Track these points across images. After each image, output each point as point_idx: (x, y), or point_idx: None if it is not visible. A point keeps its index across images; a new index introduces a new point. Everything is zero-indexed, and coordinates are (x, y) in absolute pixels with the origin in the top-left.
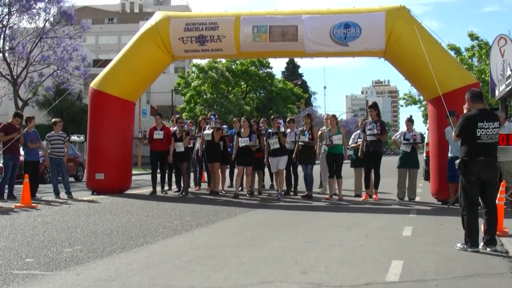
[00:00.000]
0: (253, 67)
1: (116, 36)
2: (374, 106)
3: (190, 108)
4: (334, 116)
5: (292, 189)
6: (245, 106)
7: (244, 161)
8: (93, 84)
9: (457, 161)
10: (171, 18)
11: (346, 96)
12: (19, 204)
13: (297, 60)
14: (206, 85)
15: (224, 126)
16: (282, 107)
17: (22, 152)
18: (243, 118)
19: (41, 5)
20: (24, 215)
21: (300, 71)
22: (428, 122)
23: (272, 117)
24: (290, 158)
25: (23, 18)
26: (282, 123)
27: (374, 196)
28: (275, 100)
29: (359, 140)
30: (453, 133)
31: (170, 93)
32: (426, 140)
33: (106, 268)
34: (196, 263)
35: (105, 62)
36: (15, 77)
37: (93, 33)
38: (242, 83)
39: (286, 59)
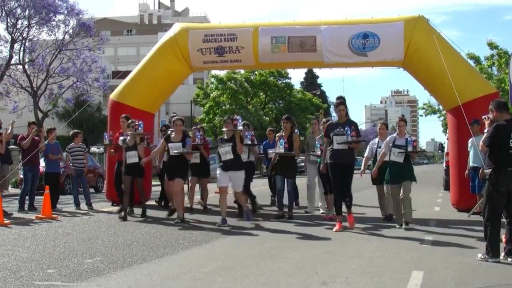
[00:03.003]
0: (271, 78)
1: (135, 48)
2: (342, 102)
3: (209, 119)
4: (327, 121)
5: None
6: (264, 117)
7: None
8: (112, 95)
9: (487, 171)
10: (190, 29)
11: (365, 106)
12: (40, 215)
13: (316, 70)
14: (225, 96)
15: (209, 138)
16: (301, 117)
17: (42, 164)
18: (175, 118)
19: (60, 17)
20: (45, 226)
21: (318, 81)
22: (447, 131)
23: (225, 118)
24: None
25: (43, 31)
26: (240, 121)
27: (348, 223)
28: (294, 111)
29: (378, 150)
30: (481, 142)
31: (189, 104)
32: (446, 150)
33: (126, 279)
34: (217, 274)
35: (124, 74)
36: (35, 89)
37: (112, 45)
38: (261, 93)
39: (305, 70)
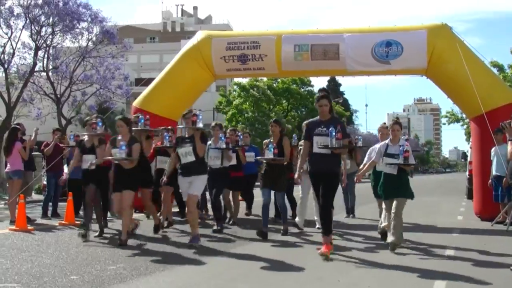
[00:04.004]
0: (294, 85)
1: (158, 55)
2: (325, 96)
3: (232, 126)
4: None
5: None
6: (286, 125)
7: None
8: (136, 103)
9: None
10: (213, 37)
11: (388, 114)
12: (63, 222)
13: (338, 78)
14: (247, 103)
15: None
16: None
17: (66, 170)
18: (116, 118)
19: (84, 24)
20: (68, 232)
21: (341, 89)
22: (471, 140)
23: (185, 112)
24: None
25: (66, 38)
26: (200, 118)
27: (323, 248)
28: None
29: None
30: (510, 150)
31: (212, 111)
32: (469, 159)
33: (149, 286)
34: (239, 282)
35: (147, 81)
36: (58, 96)
37: (135, 52)
38: (284, 101)
39: (328, 77)
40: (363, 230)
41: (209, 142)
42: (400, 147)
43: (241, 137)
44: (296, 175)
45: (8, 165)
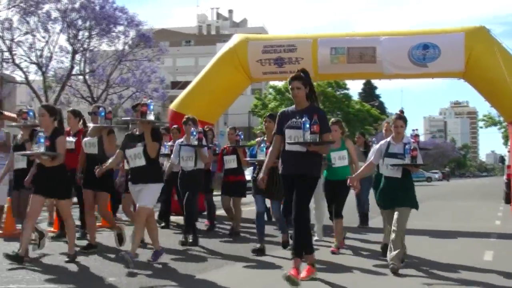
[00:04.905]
0: (330, 89)
1: (193, 58)
2: (298, 77)
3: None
4: (338, 121)
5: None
6: None
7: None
8: (172, 106)
9: None
10: (249, 40)
11: (424, 117)
12: (100, 224)
13: (374, 81)
14: (283, 106)
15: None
16: (359, 128)
17: None
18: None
19: (120, 28)
20: (106, 234)
21: (377, 92)
22: (509, 144)
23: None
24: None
25: (103, 42)
26: (151, 108)
27: (291, 270)
28: (352, 122)
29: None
30: None
31: (247, 114)
32: (507, 163)
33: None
34: (279, 285)
35: (184, 84)
36: (95, 99)
37: (170, 55)
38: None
39: (363, 80)
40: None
41: (180, 140)
42: (405, 145)
43: (242, 137)
44: (260, 176)
45: None
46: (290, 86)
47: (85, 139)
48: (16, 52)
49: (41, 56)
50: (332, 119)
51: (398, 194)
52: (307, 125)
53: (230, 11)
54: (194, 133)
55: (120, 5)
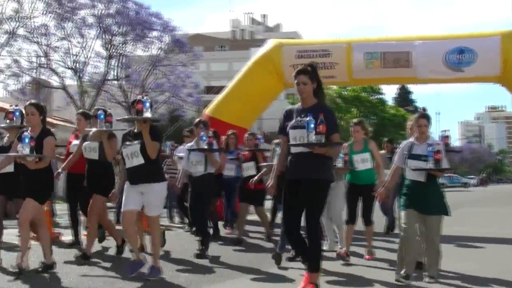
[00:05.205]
0: (364, 93)
1: (227, 63)
2: (305, 71)
3: None
4: (360, 122)
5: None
6: None
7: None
8: (207, 111)
9: None
10: (283, 45)
11: (459, 122)
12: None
13: (409, 86)
14: None
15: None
16: (394, 133)
17: None
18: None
19: (155, 33)
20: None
21: (412, 96)
22: None
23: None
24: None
25: (138, 47)
26: (147, 105)
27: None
28: (387, 127)
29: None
30: None
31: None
32: None
33: None
34: None
35: (218, 89)
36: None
37: (204, 60)
38: (354, 109)
39: (398, 85)
40: None
41: (190, 144)
42: (429, 147)
43: (261, 140)
44: (269, 183)
45: None
46: (295, 81)
47: (85, 143)
48: (53, 57)
49: (77, 61)
50: (354, 120)
51: (425, 200)
52: (312, 125)
53: (264, 16)
54: (204, 138)
55: (155, 11)
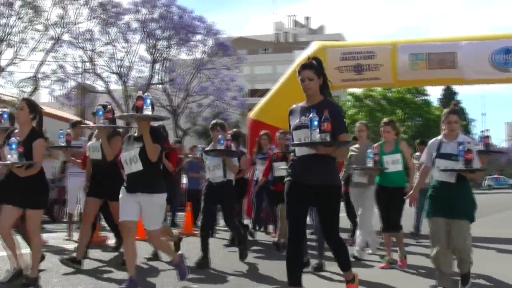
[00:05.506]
0: (409, 95)
1: (271, 66)
2: (309, 65)
3: None
4: (391, 121)
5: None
6: (402, 135)
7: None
8: (252, 114)
9: None
10: (327, 48)
11: (506, 123)
12: (181, 231)
13: (454, 87)
14: (361, 113)
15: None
16: (439, 134)
17: (184, 181)
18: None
19: (199, 37)
20: (185, 240)
21: (457, 97)
22: None
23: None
24: None
25: (182, 51)
26: (148, 103)
27: None
28: (432, 128)
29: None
30: None
31: None
32: None
33: None
34: None
35: (262, 92)
36: (175, 107)
37: (248, 63)
38: (398, 111)
39: (443, 86)
40: None
41: (208, 148)
42: (459, 146)
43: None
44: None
45: None
46: (299, 77)
47: (89, 142)
48: (97, 62)
49: (121, 66)
50: (385, 119)
51: (452, 203)
52: (315, 122)
53: (307, 18)
54: (222, 141)
55: (198, 15)
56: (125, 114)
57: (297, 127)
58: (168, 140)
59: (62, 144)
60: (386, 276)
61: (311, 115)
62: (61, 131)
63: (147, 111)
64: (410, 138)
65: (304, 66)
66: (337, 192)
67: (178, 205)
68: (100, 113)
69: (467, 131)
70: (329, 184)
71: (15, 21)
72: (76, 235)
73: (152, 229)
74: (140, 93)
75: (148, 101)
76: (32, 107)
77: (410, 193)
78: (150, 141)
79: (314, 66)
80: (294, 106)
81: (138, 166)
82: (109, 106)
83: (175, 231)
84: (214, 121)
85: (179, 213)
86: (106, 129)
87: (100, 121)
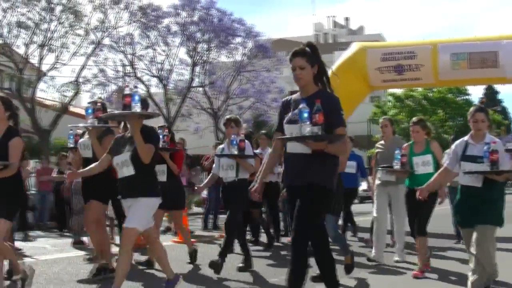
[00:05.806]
0: (450, 95)
1: None
2: (301, 52)
3: None
4: (420, 120)
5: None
6: (443, 135)
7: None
8: None
9: None
10: (367, 48)
11: None
12: (223, 234)
13: (496, 86)
14: (402, 114)
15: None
16: None
17: None
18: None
19: (238, 40)
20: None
21: (499, 97)
22: None
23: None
24: None
25: (222, 53)
26: (137, 99)
27: None
28: None
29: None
30: None
31: (366, 123)
32: None
33: None
34: None
35: None
36: (215, 110)
37: (288, 65)
38: (440, 111)
39: (484, 85)
40: None
41: (221, 146)
42: (485, 146)
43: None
44: (255, 186)
45: None
46: (291, 66)
47: (81, 140)
48: (138, 66)
49: (162, 69)
50: (414, 118)
51: (479, 208)
52: (305, 114)
53: (347, 19)
54: (234, 142)
55: (238, 17)
56: (102, 115)
57: (289, 121)
58: (174, 141)
59: (71, 145)
60: (417, 283)
61: (300, 106)
62: (71, 132)
63: (136, 109)
64: (451, 140)
65: (295, 54)
66: (322, 193)
67: (219, 207)
68: (89, 111)
69: (509, 130)
70: (316, 183)
71: (56, 26)
72: (117, 238)
73: (130, 226)
74: (127, 89)
75: (137, 97)
76: (8, 104)
77: (420, 189)
78: (142, 141)
79: (306, 53)
80: (287, 98)
81: (130, 171)
82: (98, 104)
83: (216, 234)
84: (228, 117)
85: (221, 216)
86: (96, 128)
87: (89, 120)
